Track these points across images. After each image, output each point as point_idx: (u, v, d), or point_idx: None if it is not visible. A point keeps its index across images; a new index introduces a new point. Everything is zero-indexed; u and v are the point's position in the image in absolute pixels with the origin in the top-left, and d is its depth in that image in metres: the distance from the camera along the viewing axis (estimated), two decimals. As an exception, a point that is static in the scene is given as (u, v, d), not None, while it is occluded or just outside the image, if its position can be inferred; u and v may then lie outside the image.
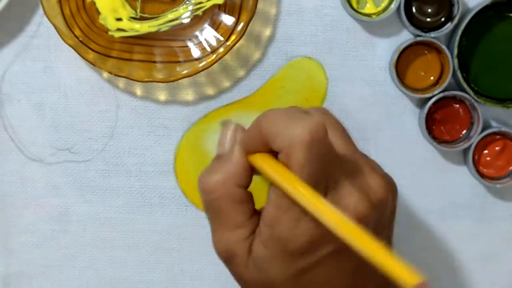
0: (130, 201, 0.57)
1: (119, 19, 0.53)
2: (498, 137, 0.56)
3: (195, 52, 0.53)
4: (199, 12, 0.53)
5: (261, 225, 0.38)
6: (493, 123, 0.56)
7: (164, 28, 0.53)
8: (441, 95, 0.54)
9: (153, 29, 0.53)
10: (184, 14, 0.54)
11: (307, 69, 0.55)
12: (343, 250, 0.36)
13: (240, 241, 0.39)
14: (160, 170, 0.56)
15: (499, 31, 0.54)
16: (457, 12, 0.53)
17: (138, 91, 0.56)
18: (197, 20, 0.54)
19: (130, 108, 0.56)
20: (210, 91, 0.56)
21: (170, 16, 0.54)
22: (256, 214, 0.39)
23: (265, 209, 0.38)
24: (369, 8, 0.54)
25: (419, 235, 0.57)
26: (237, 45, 0.53)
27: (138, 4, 0.54)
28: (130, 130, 0.56)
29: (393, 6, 0.53)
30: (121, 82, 0.55)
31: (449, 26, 0.53)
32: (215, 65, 0.53)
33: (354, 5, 0.54)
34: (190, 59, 0.53)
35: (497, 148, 0.56)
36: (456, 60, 0.53)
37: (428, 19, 0.54)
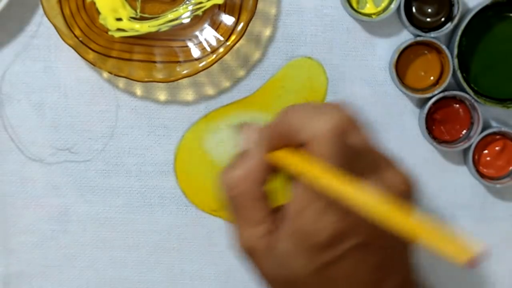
0: (130, 201, 0.57)
1: (119, 19, 0.53)
2: (498, 137, 0.56)
3: (195, 52, 0.53)
4: (199, 12, 0.53)
5: (284, 219, 0.38)
6: (493, 123, 0.56)
7: (164, 28, 0.53)
8: (441, 95, 0.54)
9: (153, 29, 0.53)
10: (184, 14, 0.54)
11: (307, 69, 0.55)
12: (368, 244, 0.36)
13: (260, 237, 0.39)
14: (160, 170, 0.56)
15: (499, 31, 0.54)
16: (457, 12, 0.53)
17: (138, 91, 0.56)
18: (197, 20, 0.54)
19: (130, 108, 0.56)
20: (210, 91, 0.56)
21: (170, 16, 0.54)
22: (275, 211, 0.39)
23: (288, 203, 0.38)
24: (369, 8, 0.54)
25: (419, 235, 0.57)
26: (237, 45, 0.53)
27: (138, 4, 0.54)
28: (130, 130, 0.56)
29: (393, 6, 0.53)
30: (121, 82, 0.55)
31: (449, 26, 0.53)
32: (215, 65, 0.53)
33: (354, 5, 0.54)
34: (190, 59, 0.53)
35: (497, 148, 0.56)
36: (456, 60, 0.53)
37: (428, 19, 0.54)
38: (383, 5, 0.54)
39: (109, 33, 0.53)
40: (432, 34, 0.53)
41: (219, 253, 0.57)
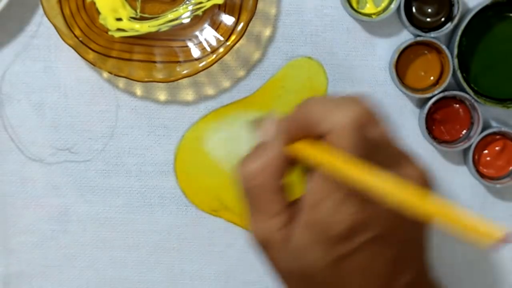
0: (130, 201, 0.57)
1: (119, 19, 0.53)
2: (498, 137, 0.56)
3: (195, 52, 0.53)
4: (199, 12, 0.53)
5: (300, 211, 0.38)
6: (493, 123, 0.56)
7: (164, 28, 0.53)
8: (441, 95, 0.54)
9: (153, 29, 0.53)
10: (184, 14, 0.54)
11: (307, 69, 0.55)
12: (385, 236, 0.36)
13: (276, 230, 0.38)
14: (160, 170, 0.56)
15: (499, 31, 0.54)
16: (457, 12, 0.53)
17: (138, 91, 0.56)
18: (197, 20, 0.54)
19: (130, 108, 0.56)
20: (210, 91, 0.56)
21: (170, 16, 0.54)
22: (291, 204, 0.39)
23: (306, 195, 0.37)
24: (369, 8, 0.54)
25: (419, 235, 0.57)
26: (237, 45, 0.53)
27: (138, 4, 0.54)
28: (130, 130, 0.56)
29: (393, 6, 0.53)
30: (121, 82, 0.55)
31: (449, 26, 0.53)
32: (215, 65, 0.53)
33: (354, 5, 0.54)
34: (190, 59, 0.53)
35: (497, 148, 0.56)
36: (456, 60, 0.53)
37: (428, 19, 0.54)
38: (383, 5, 0.54)
39: (109, 33, 0.53)
40: (432, 34, 0.53)
41: (219, 253, 0.57)
